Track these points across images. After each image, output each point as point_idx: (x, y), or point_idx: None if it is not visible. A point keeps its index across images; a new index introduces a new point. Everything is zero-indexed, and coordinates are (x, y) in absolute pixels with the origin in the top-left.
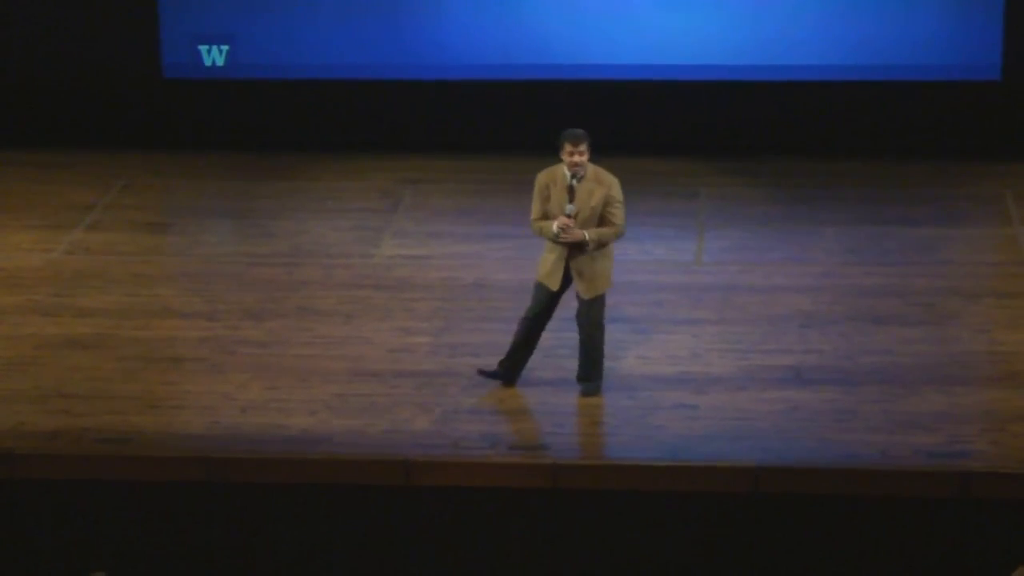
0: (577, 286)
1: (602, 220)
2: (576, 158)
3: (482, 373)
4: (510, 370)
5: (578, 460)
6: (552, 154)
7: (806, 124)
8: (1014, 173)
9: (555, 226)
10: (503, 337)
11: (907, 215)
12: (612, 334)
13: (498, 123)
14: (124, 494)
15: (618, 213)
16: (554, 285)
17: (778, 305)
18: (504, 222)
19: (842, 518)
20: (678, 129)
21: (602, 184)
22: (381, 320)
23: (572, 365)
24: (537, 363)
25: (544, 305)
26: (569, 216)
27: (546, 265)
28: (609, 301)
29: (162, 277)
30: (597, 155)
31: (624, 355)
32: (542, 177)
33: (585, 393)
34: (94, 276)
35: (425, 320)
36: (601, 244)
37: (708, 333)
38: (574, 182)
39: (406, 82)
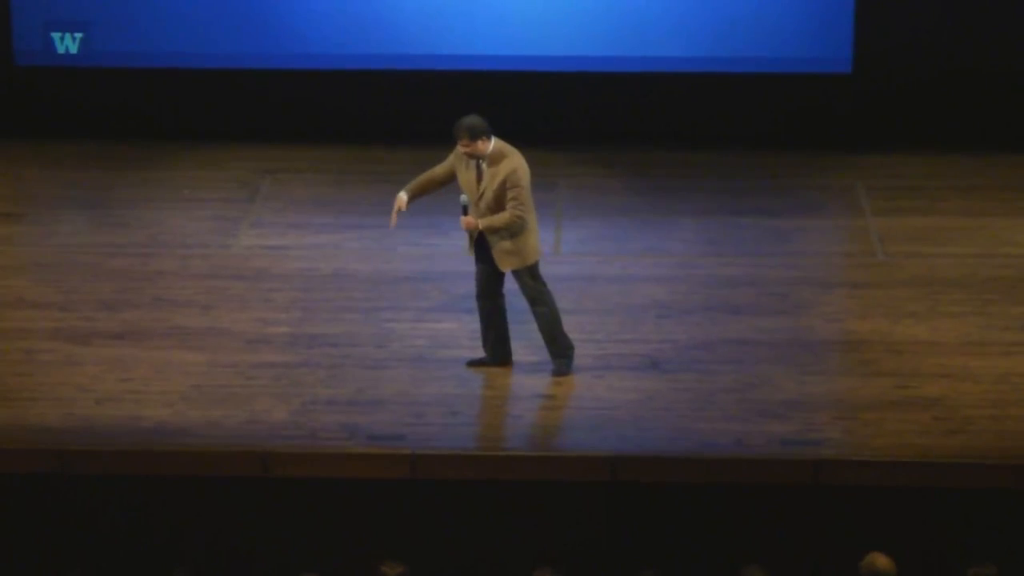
0: (496, 263)
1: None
2: (464, 150)
3: (471, 364)
4: (493, 350)
5: (436, 450)
6: (404, 144)
7: (662, 115)
8: (865, 165)
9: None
10: (361, 327)
11: (761, 206)
12: (470, 324)
13: (355, 113)
14: None
15: (515, 197)
16: (469, 251)
17: (635, 295)
18: (362, 212)
19: (698, 506)
20: (535, 119)
21: (502, 169)
22: (239, 311)
23: (434, 354)
24: (395, 352)
25: (479, 278)
26: (464, 206)
27: (465, 240)
28: (464, 290)
29: (14, 267)
30: (453, 146)
31: (480, 345)
32: (459, 149)
33: (553, 373)
34: None
35: (283, 311)
36: (493, 229)
37: (566, 323)
38: (483, 164)
39: (263, 71)
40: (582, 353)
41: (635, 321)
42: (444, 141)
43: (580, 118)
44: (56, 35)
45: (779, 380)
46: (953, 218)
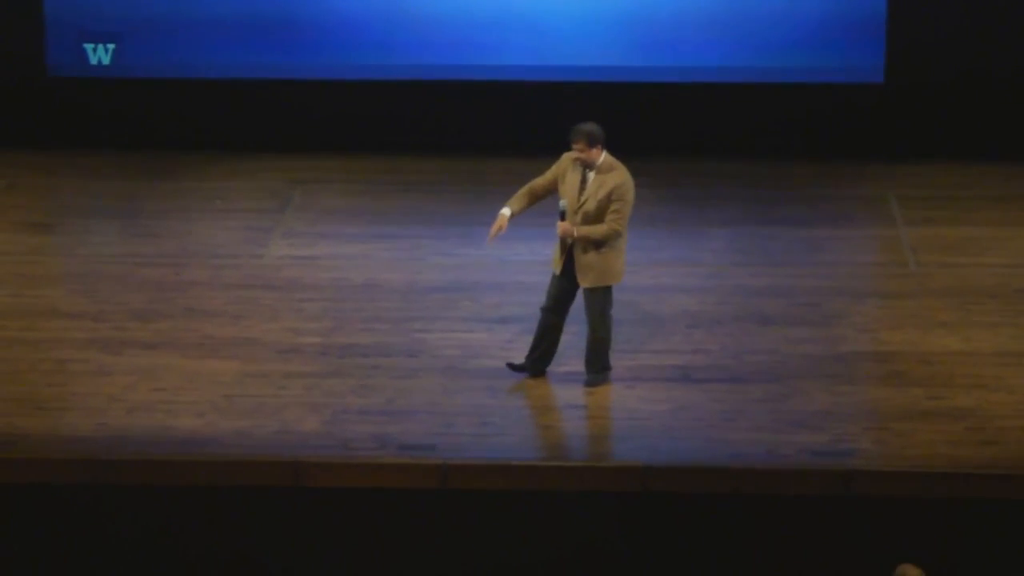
0: (576, 274)
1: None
2: (578, 155)
3: (510, 366)
4: (536, 362)
5: (467, 460)
6: (435, 154)
7: (693, 125)
8: (897, 174)
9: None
10: (392, 337)
11: (793, 216)
12: (501, 334)
13: (385, 123)
14: (9, 497)
15: (617, 211)
16: (556, 269)
17: (665, 305)
18: (393, 222)
19: (729, 516)
20: (565, 129)
21: (609, 181)
22: (270, 321)
23: (464, 364)
24: (426, 362)
25: (553, 291)
26: (562, 211)
27: (555, 251)
28: (494, 300)
29: (47, 277)
30: (483, 156)
31: (512, 355)
32: (566, 157)
33: (585, 384)
34: None
35: (314, 320)
36: (588, 240)
37: None
38: (590, 173)
39: (294, 81)
40: (613, 363)
41: (666, 331)
42: (474, 151)
43: (610, 128)
44: (89, 46)
45: (810, 391)
46: (985, 228)
